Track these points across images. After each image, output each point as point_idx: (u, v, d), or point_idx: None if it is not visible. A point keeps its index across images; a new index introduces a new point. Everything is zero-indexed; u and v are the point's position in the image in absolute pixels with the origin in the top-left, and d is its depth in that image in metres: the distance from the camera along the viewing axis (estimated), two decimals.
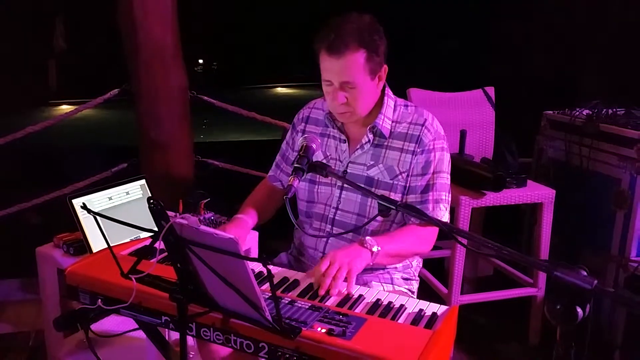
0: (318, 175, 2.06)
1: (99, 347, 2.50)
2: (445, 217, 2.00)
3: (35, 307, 3.22)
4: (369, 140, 2.01)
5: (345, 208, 2.05)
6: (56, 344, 2.73)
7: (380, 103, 2.01)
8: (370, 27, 1.88)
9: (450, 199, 2.04)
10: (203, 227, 1.33)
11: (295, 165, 1.75)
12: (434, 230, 2.00)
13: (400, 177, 1.99)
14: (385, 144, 2.01)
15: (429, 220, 1.60)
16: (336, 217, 2.06)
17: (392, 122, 2.01)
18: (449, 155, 2.04)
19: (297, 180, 1.72)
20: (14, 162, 4.90)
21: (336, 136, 2.08)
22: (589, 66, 4.67)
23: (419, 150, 1.97)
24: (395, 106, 2.04)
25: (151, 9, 3.38)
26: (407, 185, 1.99)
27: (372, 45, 1.87)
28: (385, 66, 1.95)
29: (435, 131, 2.00)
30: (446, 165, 2.02)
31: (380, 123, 1.99)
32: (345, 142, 2.05)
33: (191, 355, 2.70)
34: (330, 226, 2.07)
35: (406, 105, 2.05)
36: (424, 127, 1.98)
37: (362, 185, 1.90)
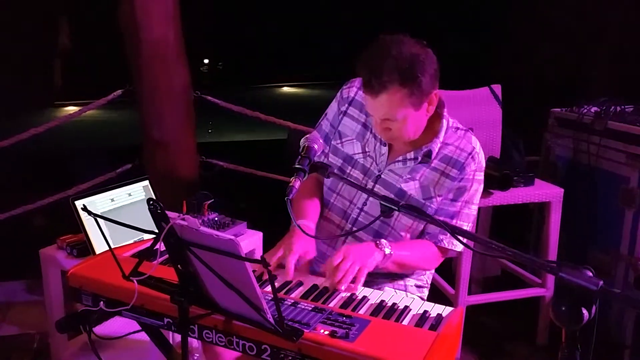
0: (350, 167, 2.04)
1: (103, 349, 2.48)
2: (458, 246, 1.95)
3: (40, 308, 3.21)
4: (416, 159, 1.94)
5: (370, 211, 2.00)
6: (60, 346, 2.72)
7: (437, 127, 1.94)
8: (411, 61, 1.75)
9: (470, 229, 2.00)
10: (203, 228, 1.32)
11: (296, 166, 1.72)
12: (445, 252, 2.00)
13: (434, 199, 1.94)
14: (428, 163, 1.95)
15: (430, 221, 1.57)
16: (359, 218, 2.02)
17: (440, 143, 1.95)
18: (482, 187, 2.00)
19: (299, 182, 1.68)
20: (18, 163, 4.91)
21: (377, 136, 1.99)
22: (597, 63, 4.63)
23: (459, 177, 1.92)
24: (446, 128, 1.97)
25: (152, 8, 3.37)
26: (437, 207, 1.96)
27: (413, 81, 1.76)
28: (436, 91, 1.84)
29: (479, 162, 1.94)
30: (477, 197, 1.98)
31: (436, 149, 1.93)
32: (385, 146, 1.98)
33: (196, 357, 2.68)
34: (350, 225, 2.04)
35: (456, 128, 1.98)
36: (470, 156, 1.92)
37: (373, 191, 1.86)
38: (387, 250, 1.82)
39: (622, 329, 2.96)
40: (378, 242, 1.84)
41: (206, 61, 11.89)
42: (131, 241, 2.33)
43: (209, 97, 3.76)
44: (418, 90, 1.78)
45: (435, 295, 2.82)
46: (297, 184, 1.68)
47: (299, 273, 1.85)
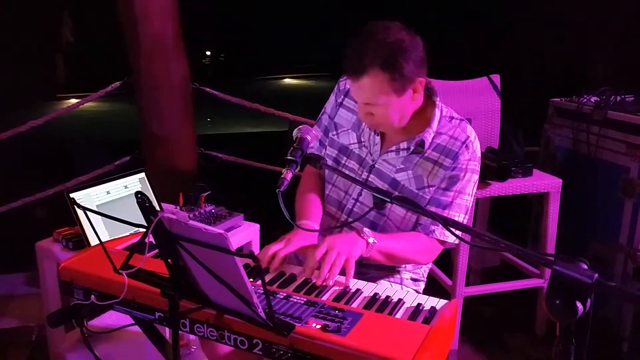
0: (345, 158, 2.03)
1: (99, 343, 2.48)
2: (450, 238, 1.91)
3: (38, 301, 3.20)
4: (409, 148, 1.93)
5: (365, 201, 1.99)
6: (57, 339, 2.72)
7: (429, 116, 1.92)
8: (394, 48, 1.74)
9: (466, 221, 1.95)
10: (192, 222, 1.30)
11: (288, 157, 1.70)
12: (440, 244, 1.96)
13: (427, 190, 1.91)
14: (421, 153, 1.93)
15: (422, 212, 1.55)
16: (354, 209, 2.01)
17: (434, 132, 1.93)
18: (477, 177, 1.95)
19: (290, 173, 1.66)
20: (18, 156, 4.91)
21: None
22: (597, 52, 4.59)
23: (452, 166, 1.89)
24: (440, 117, 1.94)
25: (151, 1, 3.35)
26: (430, 197, 1.93)
27: (394, 67, 1.74)
28: (421, 79, 1.82)
29: (473, 151, 1.91)
30: (471, 187, 1.94)
31: (429, 138, 1.90)
32: (378, 136, 1.97)
33: (193, 349, 2.68)
34: (345, 216, 2.03)
35: (451, 117, 1.95)
36: (464, 145, 1.89)
37: (366, 183, 1.83)
38: (371, 240, 1.79)
39: (621, 321, 2.94)
40: (361, 231, 1.81)
41: (208, 53, 11.87)
42: (127, 233, 2.32)
43: (207, 89, 3.74)
44: (400, 76, 1.76)
45: (433, 286, 2.81)
46: (289, 176, 1.66)
47: (292, 266, 1.84)
